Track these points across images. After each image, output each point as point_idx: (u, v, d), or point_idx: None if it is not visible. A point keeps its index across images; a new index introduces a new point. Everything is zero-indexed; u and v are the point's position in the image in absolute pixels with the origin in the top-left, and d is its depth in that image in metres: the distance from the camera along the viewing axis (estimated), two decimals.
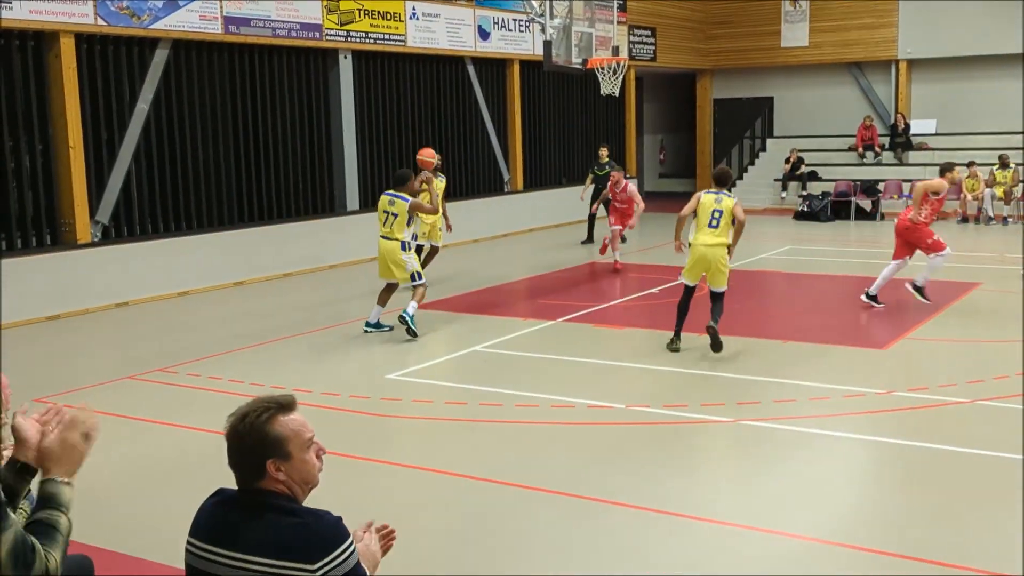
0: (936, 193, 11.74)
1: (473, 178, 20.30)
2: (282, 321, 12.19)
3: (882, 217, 22.59)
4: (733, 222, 9.75)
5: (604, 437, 7.46)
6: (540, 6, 15.09)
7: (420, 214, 11.78)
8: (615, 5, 16.57)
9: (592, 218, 19.10)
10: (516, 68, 20.84)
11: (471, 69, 19.91)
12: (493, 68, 20.51)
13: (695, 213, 9.89)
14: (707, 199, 9.81)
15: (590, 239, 19.02)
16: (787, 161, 24.64)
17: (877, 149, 24.53)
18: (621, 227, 15.86)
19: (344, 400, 8.48)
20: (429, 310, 12.39)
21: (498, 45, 20.18)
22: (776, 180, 24.91)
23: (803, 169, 24.31)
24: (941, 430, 7.40)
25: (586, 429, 7.64)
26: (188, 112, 14.69)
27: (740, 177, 26.27)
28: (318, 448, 2.78)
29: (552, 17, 14.94)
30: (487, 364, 9.88)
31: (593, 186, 18.81)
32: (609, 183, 16.08)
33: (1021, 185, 21.37)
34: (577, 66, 15.07)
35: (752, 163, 26.60)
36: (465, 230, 18.96)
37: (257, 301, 13.84)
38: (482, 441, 7.45)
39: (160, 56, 14.16)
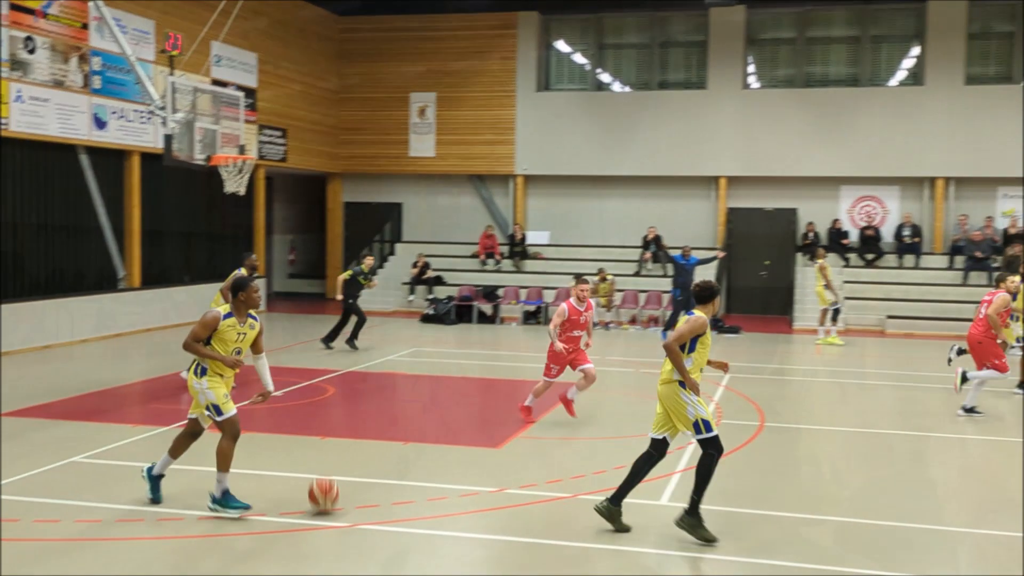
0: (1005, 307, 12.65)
1: (83, 274, 18.91)
2: None
3: (501, 321, 23.83)
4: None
5: (215, 550, 7.00)
6: (161, 99, 14.60)
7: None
8: (242, 104, 16.42)
9: (347, 315, 17.75)
10: (136, 160, 19.89)
11: (84, 159, 18.72)
12: (110, 159, 19.41)
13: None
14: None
15: (330, 340, 17.82)
16: (415, 265, 25.40)
17: (497, 257, 25.98)
18: (589, 364, 11.74)
19: None
20: (20, 417, 11.17)
21: (116, 135, 19.18)
22: (404, 283, 25.54)
23: (429, 274, 25.15)
24: (548, 525, 7.72)
25: (194, 543, 7.14)
26: None
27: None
28: None
29: (174, 111, 14.48)
30: (87, 476, 9.01)
31: (344, 284, 17.64)
32: (574, 296, 11.71)
33: (618, 295, 23.51)
34: (200, 162, 14.66)
35: (381, 266, 27.13)
36: (69, 330, 17.70)
37: None
38: (76, 564, 6.71)
39: None
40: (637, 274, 24.71)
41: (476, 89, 26.86)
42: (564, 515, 7.98)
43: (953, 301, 22.25)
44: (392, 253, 27.53)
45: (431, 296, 24.47)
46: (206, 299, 20.73)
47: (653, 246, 24.82)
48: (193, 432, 8.10)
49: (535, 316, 23.87)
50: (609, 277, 23.22)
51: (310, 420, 11.99)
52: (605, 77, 27.17)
